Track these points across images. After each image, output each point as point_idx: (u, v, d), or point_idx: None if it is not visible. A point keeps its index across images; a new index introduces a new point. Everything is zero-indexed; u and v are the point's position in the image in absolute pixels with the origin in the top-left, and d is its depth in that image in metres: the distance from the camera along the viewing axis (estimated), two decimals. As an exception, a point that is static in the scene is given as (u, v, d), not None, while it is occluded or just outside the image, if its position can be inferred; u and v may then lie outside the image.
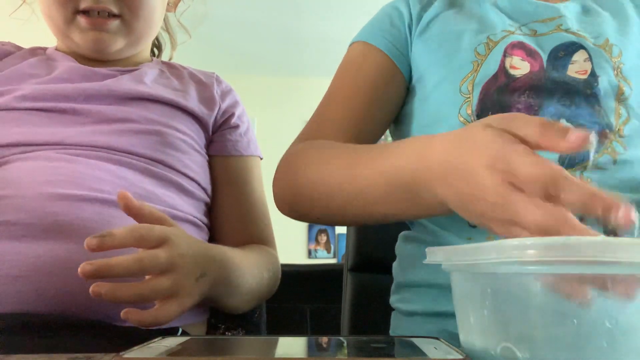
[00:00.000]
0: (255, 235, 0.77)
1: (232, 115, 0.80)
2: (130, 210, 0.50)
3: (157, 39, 0.90)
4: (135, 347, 0.31)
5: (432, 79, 0.64)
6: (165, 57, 0.92)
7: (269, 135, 4.46)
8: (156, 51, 0.92)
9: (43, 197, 0.56)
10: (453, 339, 0.35)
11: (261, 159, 0.83)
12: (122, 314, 0.46)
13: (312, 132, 0.67)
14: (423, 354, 0.30)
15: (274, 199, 0.65)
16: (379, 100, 0.68)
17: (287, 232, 3.99)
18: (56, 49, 0.77)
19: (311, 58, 4.05)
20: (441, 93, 0.63)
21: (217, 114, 0.78)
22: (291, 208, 0.63)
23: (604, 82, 0.59)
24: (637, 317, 0.26)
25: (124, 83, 0.70)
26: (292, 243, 4.15)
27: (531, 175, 0.34)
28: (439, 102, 0.63)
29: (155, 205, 0.63)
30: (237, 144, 0.78)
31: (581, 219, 0.51)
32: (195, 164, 0.72)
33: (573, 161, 0.55)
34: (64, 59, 0.73)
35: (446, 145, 0.42)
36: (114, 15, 0.70)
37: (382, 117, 0.69)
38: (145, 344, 0.33)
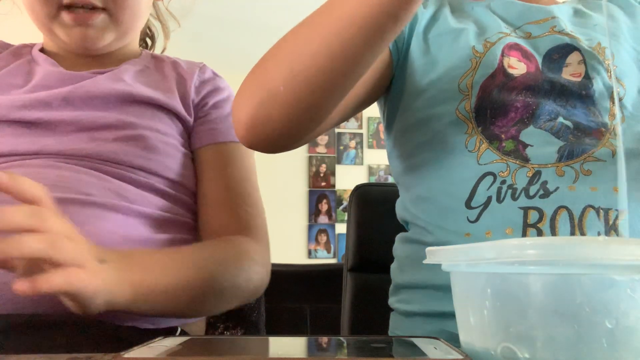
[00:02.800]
0: (235, 223, 0.70)
1: (206, 104, 0.76)
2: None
3: (149, 28, 0.88)
4: (135, 347, 0.31)
5: (428, 76, 0.64)
6: (159, 46, 0.90)
7: (269, 135, 4.47)
8: (149, 41, 0.89)
9: None
10: (452, 340, 0.35)
11: None
12: (16, 286, 0.40)
13: None
14: (423, 354, 0.30)
15: (234, 122, 0.56)
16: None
17: (287, 232, 4.00)
18: (42, 48, 0.76)
19: (311, 58, 4.05)
20: (438, 90, 0.63)
21: (194, 108, 0.75)
22: (255, 116, 0.53)
23: (599, 84, 0.60)
24: (637, 317, 0.26)
25: (101, 83, 0.68)
26: (292, 243, 4.16)
27: None
28: (436, 98, 0.63)
29: (145, 208, 0.63)
30: (213, 132, 0.75)
31: (581, 217, 0.51)
32: (180, 166, 0.70)
33: (572, 154, 0.56)
34: (45, 63, 0.71)
35: None
36: (99, 9, 0.68)
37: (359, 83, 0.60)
38: (145, 344, 0.33)
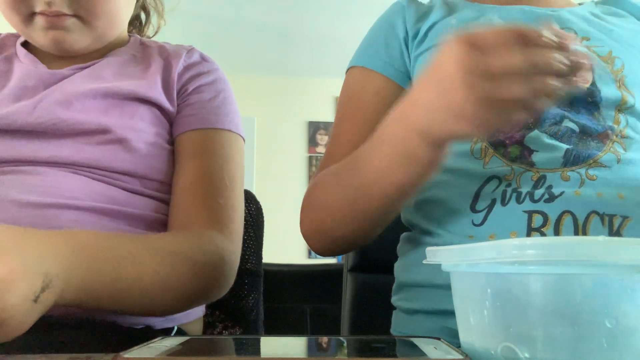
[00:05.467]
0: (205, 216, 0.64)
1: (187, 90, 0.72)
2: None
3: (144, 7, 0.83)
4: (135, 347, 0.31)
5: None
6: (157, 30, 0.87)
7: (269, 135, 4.47)
8: (143, 17, 0.85)
9: (14, 206, 0.55)
10: (455, 337, 0.35)
11: (239, 134, 0.74)
12: None
13: (322, 170, 0.66)
14: (423, 354, 0.30)
15: (306, 240, 0.65)
16: None
17: (287, 232, 4.01)
18: (24, 42, 0.73)
19: (311, 58, 4.06)
20: None
21: (177, 95, 0.72)
22: (321, 241, 0.63)
23: (606, 93, 0.60)
24: (637, 317, 0.26)
25: (79, 83, 0.66)
26: (292, 243, 4.16)
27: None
28: None
29: (135, 210, 0.62)
30: (191, 118, 0.71)
31: (585, 222, 0.51)
32: (165, 165, 0.68)
33: (577, 159, 0.56)
34: (26, 59, 0.70)
35: (415, 88, 0.48)
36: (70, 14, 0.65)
37: None
38: (145, 344, 0.33)
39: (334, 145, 0.69)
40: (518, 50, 0.39)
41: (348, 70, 0.73)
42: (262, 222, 0.87)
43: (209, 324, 0.78)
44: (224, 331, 0.78)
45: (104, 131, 0.63)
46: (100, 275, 0.47)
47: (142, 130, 0.66)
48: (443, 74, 0.43)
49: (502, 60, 0.39)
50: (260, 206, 0.88)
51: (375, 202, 0.55)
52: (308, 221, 0.64)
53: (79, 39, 0.68)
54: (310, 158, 4.38)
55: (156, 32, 0.87)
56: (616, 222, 0.52)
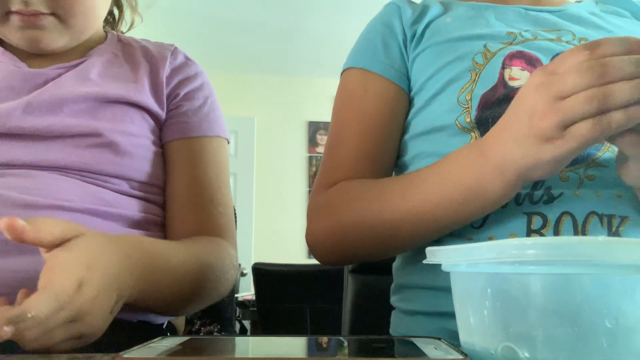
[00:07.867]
0: (204, 223, 0.69)
1: (177, 95, 0.73)
2: (22, 236, 0.41)
3: (117, 3, 0.82)
4: (135, 347, 0.31)
5: (430, 90, 0.64)
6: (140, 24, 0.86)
7: (269, 135, 4.47)
8: (116, 12, 0.83)
9: (8, 207, 0.55)
10: (454, 338, 0.35)
11: (225, 139, 0.76)
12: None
13: (330, 178, 0.65)
14: (423, 354, 0.30)
15: (311, 248, 0.64)
16: (389, 130, 0.66)
17: (287, 232, 4.01)
18: (2, 42, 0.72)
19: (311, 58, 4.05)
20: (439, 102, 0.62)
21: (166, 99, 0.72)
22: (334, 252, 0.62)
23: None
24: (637, 317, 0.26)
25: (67, 86, 0.65)
26: (292, 243, 4.16)
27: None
28: (437, 111, 0.62)
29: (124, 211, 0.62)
30: (184, 125, 0.72)
31: (584, 223, 0.51)
32: (152, 167, 0.68)
33: (576, 159, 0.55)
34: (4, 57, 0.68)
35: (495, 126, 0.49)
36: (47, 13, 0.65)
37: (395, 144, 0.68)
38: (145, 343, 0.33)
39: (339, 152, 0.66)
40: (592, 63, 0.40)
41: (344, 71, 0.72)
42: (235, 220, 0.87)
43: (188, 321, 0.79)
44: (202, 328, 0.78)
45: (94, 134, 0.63)
46: (154, 284, 0.53)
47: (131, 133, 0.66)
48: (524, 104, 0.45)
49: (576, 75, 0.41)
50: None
51: (422, 230, 0.54)
52: (323, 231, 0.62)
53: (56, 37, 0.67)
54: (310, 158, 4.38)
55: (130, 27, 0.86)
56: (615, 222, 0.52)
